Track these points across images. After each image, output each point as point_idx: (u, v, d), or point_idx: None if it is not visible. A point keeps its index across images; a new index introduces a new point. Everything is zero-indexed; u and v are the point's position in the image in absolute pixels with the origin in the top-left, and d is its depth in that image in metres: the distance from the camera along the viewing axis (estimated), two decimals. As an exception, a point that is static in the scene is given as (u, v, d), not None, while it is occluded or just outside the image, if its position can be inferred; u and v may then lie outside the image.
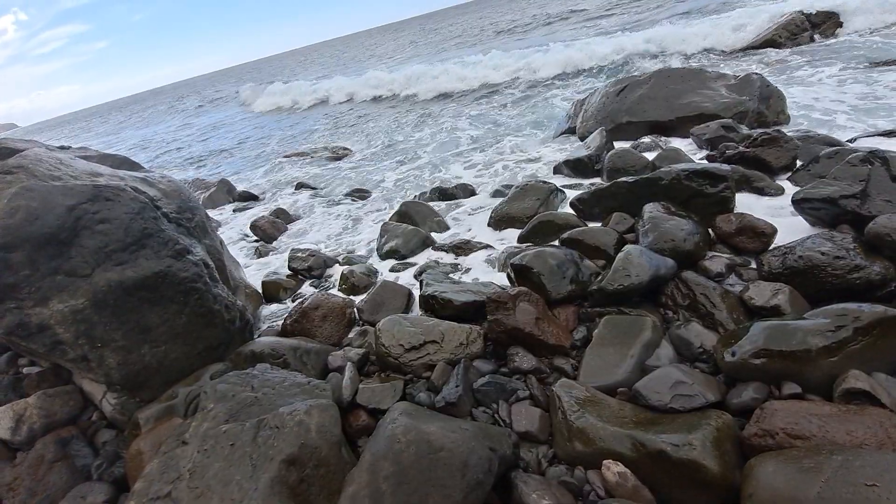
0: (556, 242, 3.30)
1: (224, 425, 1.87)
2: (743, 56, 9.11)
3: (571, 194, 4.06)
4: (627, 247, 2.73)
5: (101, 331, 2.41)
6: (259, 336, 3.16)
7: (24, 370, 2.86)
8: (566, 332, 2.60)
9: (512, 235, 4.00)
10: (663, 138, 5.04)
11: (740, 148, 3.81)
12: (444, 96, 13.69)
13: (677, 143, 4.92)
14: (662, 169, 3.34)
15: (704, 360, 2.22)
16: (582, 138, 5.78)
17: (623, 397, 2.09)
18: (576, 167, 4.87)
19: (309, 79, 25.99)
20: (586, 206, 3.60)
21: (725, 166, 3.17)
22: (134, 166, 4.52)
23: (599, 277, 2.72)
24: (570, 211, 3.80)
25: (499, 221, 4.20)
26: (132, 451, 2.23)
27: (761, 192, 3.38)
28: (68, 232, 2.42)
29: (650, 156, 4.46)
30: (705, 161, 4.11)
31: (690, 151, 4.56)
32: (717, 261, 2.69)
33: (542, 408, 2.18)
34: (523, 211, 4.07)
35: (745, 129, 4.33)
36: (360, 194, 6.75)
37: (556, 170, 5.08)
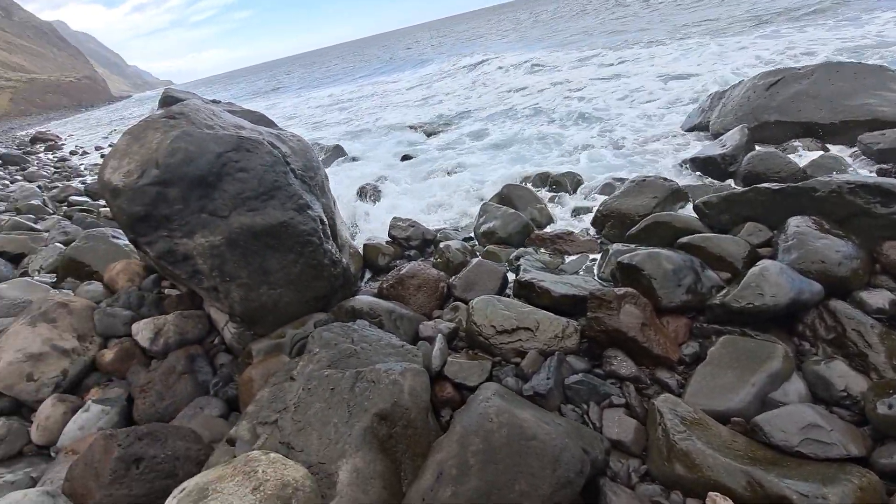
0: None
1: (326, 370, 2.00)
2: None
3: (696, 196, 3.67)
4: (765, 262, 2.40)
5: (230, 267, 2.69)
6: (358, 294, 3.33)
7: (166, 291, 3.31)
8: (674, 344, 2.38)
9: (619, 233, 3.74)
10: (819, 143, 4.33)
11: (927, 164, 3.14)
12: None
13: (837, 150, 4.21)
14: (819, 178, 2.86)
15: (847, 405, 1.90)
16: (716, 135, 5.18)
17: (737, 428, 1.87)
18: (705, 167, 4.38)
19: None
20: (713, 212, 3.22)
21: (906, 184, 2.63)
22: (269, 123, 4.93)
23: (724, 292, 2.43)
24: (693, 215, 3.44)
25: (606, 217, 3.94)
26: (244, 377, 2.48)
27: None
28: (215, 176, 2.70)
29: (801, 162, 3.87)
30: (875, 175, 3.47)
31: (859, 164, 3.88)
32: (880, 294, 2.26)
33: (639, 419, 2.03)
34: (636, 209, 3.77)
35: (934, 143, 3.56)
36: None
37: (681, 167, 4.63)
